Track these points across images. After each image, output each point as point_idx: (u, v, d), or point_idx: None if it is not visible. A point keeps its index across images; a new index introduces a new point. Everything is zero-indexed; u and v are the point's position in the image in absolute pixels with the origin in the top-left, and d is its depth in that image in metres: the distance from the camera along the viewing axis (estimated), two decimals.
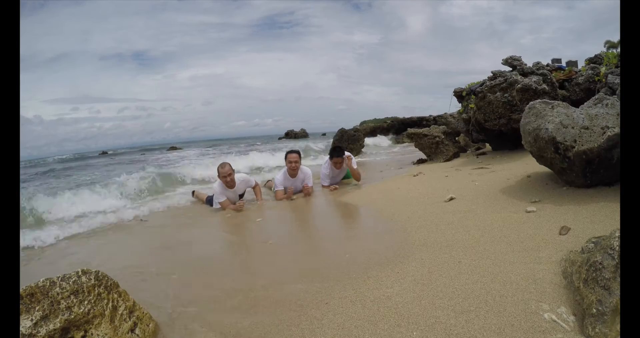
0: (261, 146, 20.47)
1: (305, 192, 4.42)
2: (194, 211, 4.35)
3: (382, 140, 16.95)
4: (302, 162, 4.74)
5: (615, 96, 2.35)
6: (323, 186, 4.75)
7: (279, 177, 4.56)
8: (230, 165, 4.13)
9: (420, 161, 6.41)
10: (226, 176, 4.00)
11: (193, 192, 5.17)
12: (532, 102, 2.63)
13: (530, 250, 1.74)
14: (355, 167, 4.72)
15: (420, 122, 18.72)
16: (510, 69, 5.53)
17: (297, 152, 4.59)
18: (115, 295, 1.41)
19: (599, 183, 2.40)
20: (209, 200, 4.39)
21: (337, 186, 4.66)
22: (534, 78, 4.83)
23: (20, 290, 1.19)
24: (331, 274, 1.88)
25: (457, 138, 6.76)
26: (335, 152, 4.69)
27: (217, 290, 1.88)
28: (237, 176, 4.20)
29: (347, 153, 4.75)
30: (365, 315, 1.43)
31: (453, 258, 1.81)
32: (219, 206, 4.08)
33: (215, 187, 4.10)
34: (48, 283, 1.25)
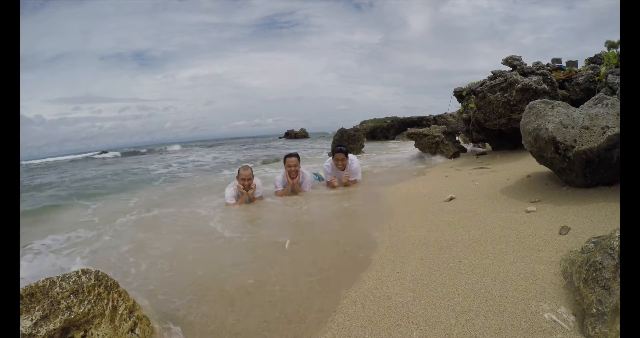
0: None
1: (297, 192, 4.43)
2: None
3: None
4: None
5: (615, 96, 2.35)
6: (327, 182, 4.72)
7: (279, 178, 4.52)
8: (252, 170, 4.21)
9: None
10: (245, 180, 4.07)
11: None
12: (532, 102, 2.63)
13: (530, 250, 1.74)
14: (352, 178, 4.64)
15: (420, 122, 18.74)
16: (511, 68, 5.53)
17: (296, 156, 4.51)
18: (115, 295, 1.41)
19: (599, 183, 2.40)
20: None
21: (337, 183, 4.59)
22: (534, 78, 4.83)
23: (20, 290, 1.19)
24: (330, 274, 1.88)
25: (457, 138, 6.76)
26: (337, 148, 4.65)
27: (217, 290, 1.88)
28: (254, 180, 4.23)
29: (351, 158, 4.68)
30: (365, 315, 1.43)
31: (453, 258, 1.81)
32: (231, 200, 4.10)
33: (230, 189, 4.14)
34: (48, 283, 1.25)
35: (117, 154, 27.66)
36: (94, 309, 1.29)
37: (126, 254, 2.58)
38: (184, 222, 3.60)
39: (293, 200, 4.21)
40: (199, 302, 1.74)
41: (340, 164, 4.57)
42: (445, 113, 14.63)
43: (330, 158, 4.70)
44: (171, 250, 2.63)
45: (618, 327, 1.06)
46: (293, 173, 4.42)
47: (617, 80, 4.25)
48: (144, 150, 27.83)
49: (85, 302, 1.28)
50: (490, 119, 5.10)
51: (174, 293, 1.85)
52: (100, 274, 1.39)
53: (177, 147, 29.57)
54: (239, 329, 1.47)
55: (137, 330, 1.41)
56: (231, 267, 2.20)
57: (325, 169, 4.74)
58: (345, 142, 11.16)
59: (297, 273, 1.98)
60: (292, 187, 4.43)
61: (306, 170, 4.71)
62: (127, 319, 1.41)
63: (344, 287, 1.70)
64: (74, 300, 1.26)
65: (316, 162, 8.76)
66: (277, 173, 4.77)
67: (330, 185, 4.59)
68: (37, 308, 1.19)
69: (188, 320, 1.57)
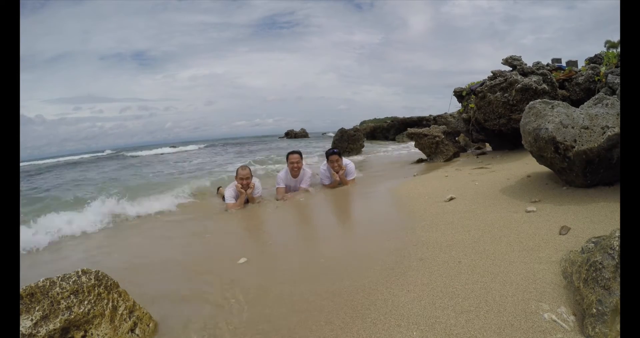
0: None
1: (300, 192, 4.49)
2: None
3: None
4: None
5: (615, 96, 2.35)
6: (324, 185, 4.76)
7: (281, 175, 4.64)
8: (250, 170, 4.30)
9: (420, 161, 6.41)
10: (243, 179, 4.12)
11: (219, 188, 5.32)
12: (532, 102, 2.63)
13: (530, 250, 1.74)
14: (349, 178, 4.68)
15: (420, 122, 18.72)
16: (511, 68, 5.53)
17: (299, 153, 4.68)
18: (115, 295, 1.41)
19: (599, 183, 2.40)
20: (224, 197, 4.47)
21: (341, 173, 4.59)
22: (534, 78, 4.83)
23: (20, 290, 1.19)
24: (330, 276, 1.87)
25: (457, 138, 6.76)
26: (330, 151, 4.72)
27: (216, 290, 1.88)
28: (253, 180, 4.27)
29: (345, 161, 4.74)
30: (365, 315, 1.43)
31: (453, 258, 1.81)
32: (231, 200, 4.13)
33: (229, 190, 4.19)
34: (48, 283, 1.25)
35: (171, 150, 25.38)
36: (94, 309, 1.29)
37: None
38: None
39: (294, 202, 4.21)
40: None
41: (336, 165, 4.64)
42: (445, 113, 14.64)
43: (325, 161, 4.78)
44: None
45: (618, 327, 1.06)
46: (295, 169, 4.54)
47: (617, 80, 4.25)
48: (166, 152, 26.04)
49: (85, 302, 1.28)
50: (490, 119, 5.10)
51: None
52: (100, 274, 1.39)
53: (193, 147, 28.31)
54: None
55: (137, 330, 1.41)
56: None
57: (322, 173, 4.78)
58: (345, 142, 11.18)
59: (294, 276, 1.98)
60: (294, 185, 4.52)
61: (308, 168, 4.79)
62: (127, 319, 1.41)
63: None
64: (74, 300, 1.26)
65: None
66: (280, 171, 4.85)
67: (333, 185, 4.62)
68: (37, 308, 1.19)
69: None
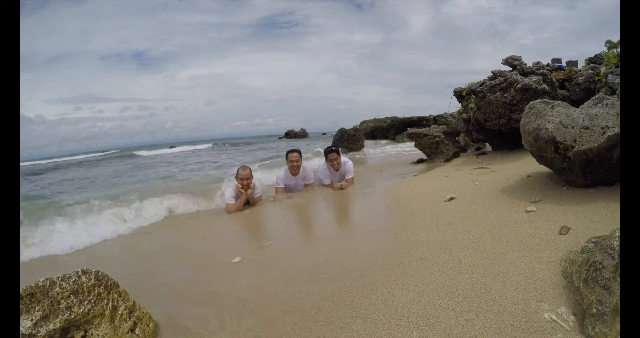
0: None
1: (307, 190, 4.49)
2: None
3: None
4: None
5: (615, 96, 2.35)
6: (324, 185, 4.76)
7: (281, 174, 4.63)
8: (251, 170, 4.27)
9: (420, 161, 6.41)
10: (244, 179, 4.10)
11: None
12: (532, 102, 2.63)
13: (530, 250, 1.74)
14: (348, 177, 4.70)
15: (420, 122, 18.69)
16: (510, 68, 5.52)
17: (298, 151, 4.67)
18: (115, 295, 1.41)
19: (599, 183, 2.40)
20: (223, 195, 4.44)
21: (343, 185, 4.58)
22: (534, 78, 4.82)
23: (20, 290, 1.19)
24: (329, 276, 1.87)
25: (457, 138, 6.76)
26: (328, 150, 4.74)
27: (217, 290, 1.88)
28: (253, 180, 4.26)
29: (344, 159, 4.77)
30: (365, 315, 1.43)
31: (453, 258, 1.81)
32: (231, 200, 4.09)
33: (229, 190, 4.17)
34: (48, 283, 1.25)
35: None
36: (94, 309, 1.29)
37: None
38: None
39: (293, 203, 4.21)
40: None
41: (336, 164, 4.66)
42: (445, 113, 14.63)
43: (324, 161, 4.79)
44: None
45: (618, 327, 1.06)
46: (295, 168, 4.54)
47: (617, 80, 4.25)
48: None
49: (85, 302, 1.28)
50: (490, 119, 5.09)
51: None
52: (100, 274, 1.39)
53: (201, 147, 28.13)
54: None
55: (137, 330, 1.41)
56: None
57: (321, 172, 4.79)
58: (346, 142, 11.20)
59: (294, 276, 1.98)
60: (294, 183, 4.56)
61: (306, 164, 4.81)
62: (127, 319, 1.41)
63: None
64: (74, 300, 1.26)
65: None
66: (279, 171, 4.85)
67: (335, 187, 4.63)
68: (37, 308, 1.19)
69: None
